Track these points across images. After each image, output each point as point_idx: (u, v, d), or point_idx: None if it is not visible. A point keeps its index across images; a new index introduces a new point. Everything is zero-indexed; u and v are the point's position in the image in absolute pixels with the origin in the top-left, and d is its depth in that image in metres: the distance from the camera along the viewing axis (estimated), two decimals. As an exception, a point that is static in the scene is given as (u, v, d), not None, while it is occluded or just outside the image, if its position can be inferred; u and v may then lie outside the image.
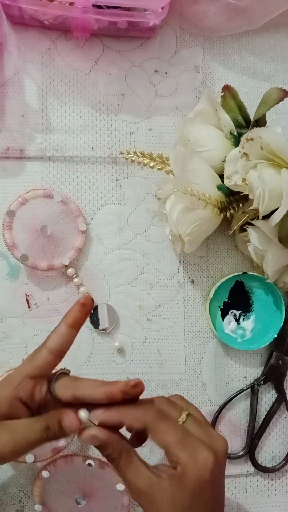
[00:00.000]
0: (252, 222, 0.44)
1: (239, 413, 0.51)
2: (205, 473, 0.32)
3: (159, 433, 0.33)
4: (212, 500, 0.33)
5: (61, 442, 0.46)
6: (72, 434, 0.34)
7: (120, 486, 0.45)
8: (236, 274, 0.49)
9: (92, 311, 0.49)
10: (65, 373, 0.37)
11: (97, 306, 0.49)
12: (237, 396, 0.50)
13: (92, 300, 0.37)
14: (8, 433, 0.33)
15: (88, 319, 0.49)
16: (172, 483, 0.32)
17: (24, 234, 0.47)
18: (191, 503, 0.32)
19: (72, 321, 0.36)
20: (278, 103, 0.42)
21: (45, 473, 0.45)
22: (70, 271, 0.48)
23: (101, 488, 0.46)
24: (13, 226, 0.47)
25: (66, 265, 0.48)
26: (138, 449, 0.35)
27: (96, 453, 0.48)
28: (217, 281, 0.50)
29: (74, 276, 0.49)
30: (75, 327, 0.36)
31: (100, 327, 0.49)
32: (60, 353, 0.36)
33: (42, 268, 0.47)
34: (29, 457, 0.44)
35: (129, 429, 0.36)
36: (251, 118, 0.45)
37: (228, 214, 0.45)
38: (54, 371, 0.37)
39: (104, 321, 0.49)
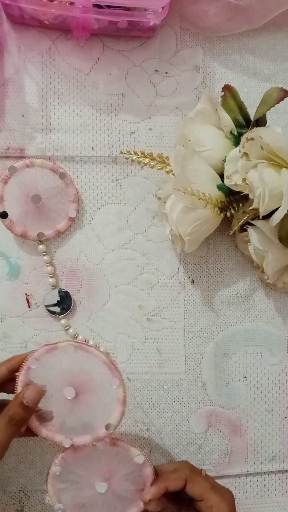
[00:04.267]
0: (252, 222, 0.44)
1: (239, 413, 0.51)
2: (233, 508, 0.41)
3: (196, 484, 0.40)
4: None
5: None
6: (34, 406, 0.37)
7: (139, 458, 0.41)
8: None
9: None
10: None
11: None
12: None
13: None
14: None
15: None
16: None
17: (16, 195, 0.47)
18: None
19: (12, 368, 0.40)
20: (278, 103, 0.42)
21: (56, 469, 0.42)
22: (40, 247, 0.48)
23: (120, 465, 0.42)
24: (9, 182, 0.47)
25: (40, 241, 0.48)
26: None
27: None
28: (217, 281, 0.49)
29: (43, 253, 0.48)
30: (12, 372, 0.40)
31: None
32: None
33: (16, 232, 0.47)
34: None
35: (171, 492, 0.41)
36: (251, 118, 0.45)
37: (228, 214, 0.45)
38: None
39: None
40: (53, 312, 0.48)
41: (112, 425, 0.40)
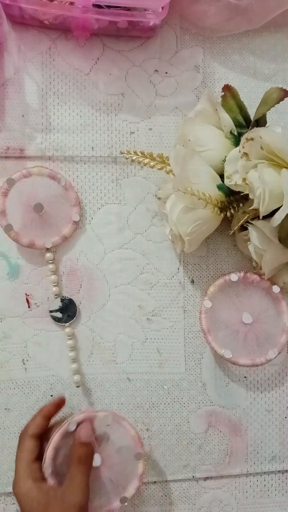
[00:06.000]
0: (252, 222, 0.44)
1: (239, 413, 0.51)
2: None
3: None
4: None
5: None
6: (91, 440, 0.41)
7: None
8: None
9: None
10: None
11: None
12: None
13: (64, 401, 0.45)
14: (76, 486, 0.39)
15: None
16: None
17: (17, 206, 0.47)
18: None
19: (47, 415, 0.43)
20: (278, 103, 0.42)
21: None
22: (48, 255, 0.48)
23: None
24: (9, 195, 0.47)
25: (48, 249, 0.48)
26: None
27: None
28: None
29: (50, 262, 0.48)
30: (49, 418, 0.43)
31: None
32: (39, 436, 0.42)
33: (23, 243, 0.47)
34: None
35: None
36: (251, 118, 0.45)
37: (228, 214, 0.45)
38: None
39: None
40: (58, 320, 0.48)
41: (127, 499, 0.43)
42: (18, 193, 0.47)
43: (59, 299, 0.49)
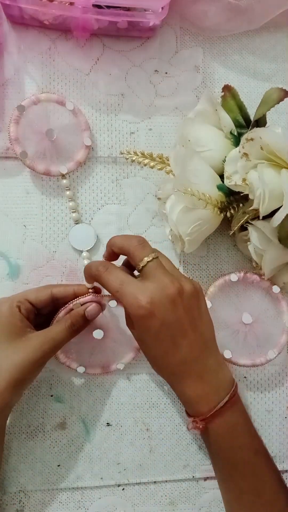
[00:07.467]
0: (252, 223, 0.44)
1: (239, 413, 0.51)
2: (138, 311, 0.37)
3: (105, 286, 0.39)
4: (164, 335, 0.38)
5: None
6: (91, 320, 0.44)
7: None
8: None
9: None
10: None
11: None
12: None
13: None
14: (37, 339, 0.40)
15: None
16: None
17: (29, 133, 0.47)
18: (140, 337, 0.40)
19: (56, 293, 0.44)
20: (278, 103, 0.42)
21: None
22: (65, 182, 0.49)
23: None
24: (20, 122, 0.47)
25: (63, 175, 0.48)
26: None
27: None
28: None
29: (66, 188, 0.49)
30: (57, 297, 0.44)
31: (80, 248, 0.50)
32: (61, 301, 0.44)
33: (39, 170, 0.47)
34: (80, 369, 0.47)
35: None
36: (251, 118, 0.45)
37: (228, 214, 0.45)
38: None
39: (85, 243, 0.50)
40: (77, 246, 0.49)
41: (123, 365, 0.48)
42: (29, 120, 0.47)
43: (79, 227, 0.49)
